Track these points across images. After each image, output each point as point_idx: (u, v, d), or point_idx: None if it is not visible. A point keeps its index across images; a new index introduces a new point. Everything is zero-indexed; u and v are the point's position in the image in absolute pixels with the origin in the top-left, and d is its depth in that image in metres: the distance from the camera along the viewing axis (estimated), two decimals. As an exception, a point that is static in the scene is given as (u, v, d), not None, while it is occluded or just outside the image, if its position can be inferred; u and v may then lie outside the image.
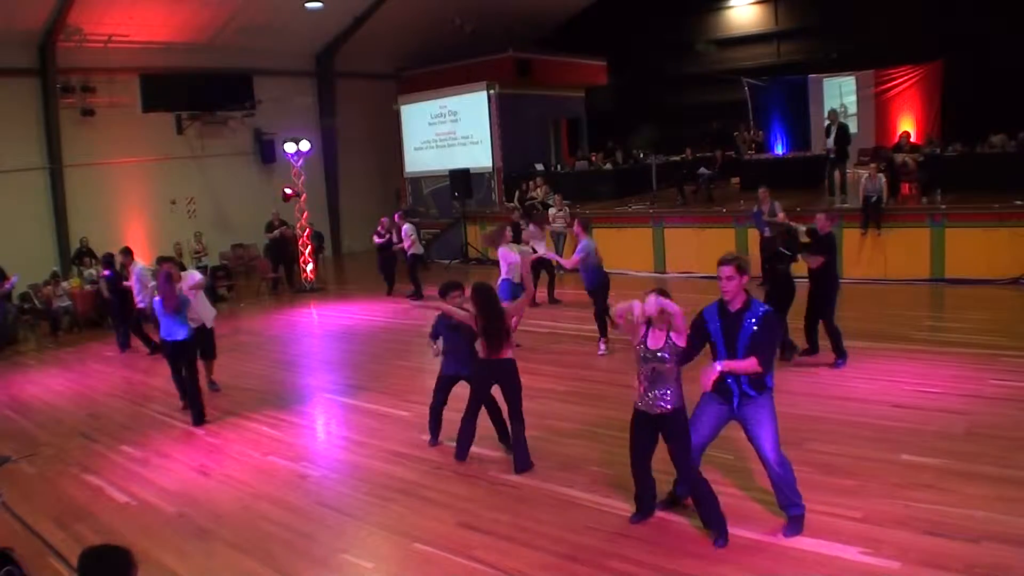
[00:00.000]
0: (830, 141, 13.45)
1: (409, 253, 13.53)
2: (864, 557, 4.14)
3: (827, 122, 13.99)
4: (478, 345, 5.78)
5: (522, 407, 5.70)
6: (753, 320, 4.31)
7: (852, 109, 18.25)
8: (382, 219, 14.20)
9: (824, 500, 4.77)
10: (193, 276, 8.19)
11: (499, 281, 9.23)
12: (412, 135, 20.11)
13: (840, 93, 18.29)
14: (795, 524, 4.50)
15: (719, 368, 4.23)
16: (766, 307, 4.41)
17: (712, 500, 4.44)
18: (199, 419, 7.39)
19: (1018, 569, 3.92)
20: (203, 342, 8.10)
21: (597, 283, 8.91)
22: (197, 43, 16.92)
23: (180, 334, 7.41)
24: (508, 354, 5.70)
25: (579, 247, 8.84)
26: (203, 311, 8.11)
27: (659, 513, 4.81)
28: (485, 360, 5.71)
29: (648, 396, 4.40)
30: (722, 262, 4.40)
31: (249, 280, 17.02)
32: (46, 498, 5.87)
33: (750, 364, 4.22)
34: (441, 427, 6.36)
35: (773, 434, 4.40)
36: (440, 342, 6.29)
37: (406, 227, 13.60)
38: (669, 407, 4.36)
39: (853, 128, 16.03)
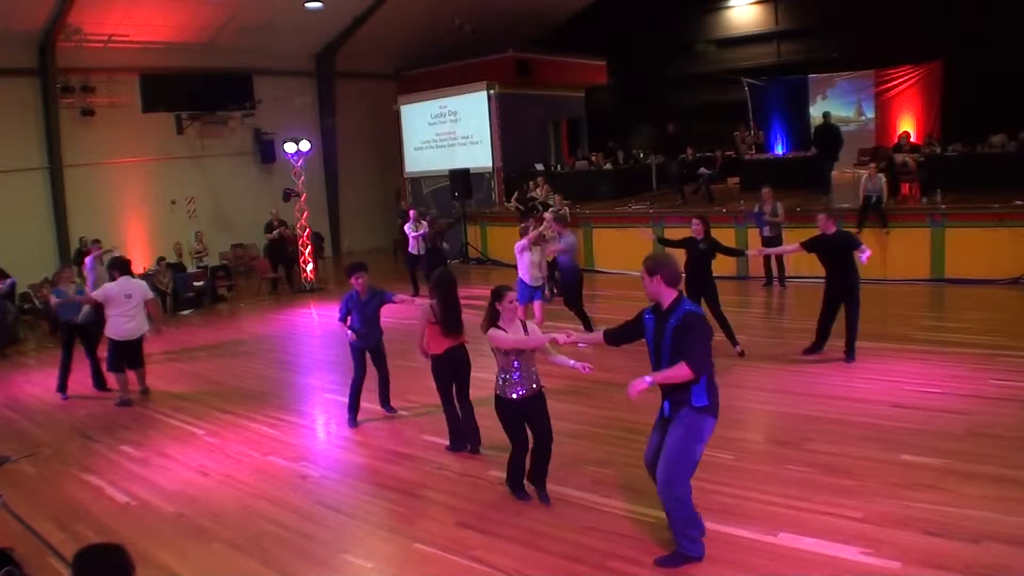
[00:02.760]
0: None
1: (415, 253, 13.52)
2: (864, 557, 4.13)
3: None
4: (435, 338, 5.99)
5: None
6: (672, 321, 4.01)
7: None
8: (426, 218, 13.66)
9: (824, 500, 4.78)
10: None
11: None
12: (412, 135, 20.09)
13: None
14: (672, 559, 4.19)
15: (648, 381, 3.99)
16: (690, 306, 4.04)
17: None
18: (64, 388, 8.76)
19: (1018, 569, 3.92)
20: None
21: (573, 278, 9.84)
22: (197, 43, 16.92)
23: (76, 318, 8.77)
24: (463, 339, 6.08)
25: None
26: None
27: (659, 513, 4.81)
28: (449, 351, 5.97)
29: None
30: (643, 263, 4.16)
31: (249, 280, 17.02)
32: (46, 498, 5.86)
33: (678, 371, 3.92)
34: (360, 405, 6.96)
35: (673, 456, 4.05)
36: (351, 319, 6.84)
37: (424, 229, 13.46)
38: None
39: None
